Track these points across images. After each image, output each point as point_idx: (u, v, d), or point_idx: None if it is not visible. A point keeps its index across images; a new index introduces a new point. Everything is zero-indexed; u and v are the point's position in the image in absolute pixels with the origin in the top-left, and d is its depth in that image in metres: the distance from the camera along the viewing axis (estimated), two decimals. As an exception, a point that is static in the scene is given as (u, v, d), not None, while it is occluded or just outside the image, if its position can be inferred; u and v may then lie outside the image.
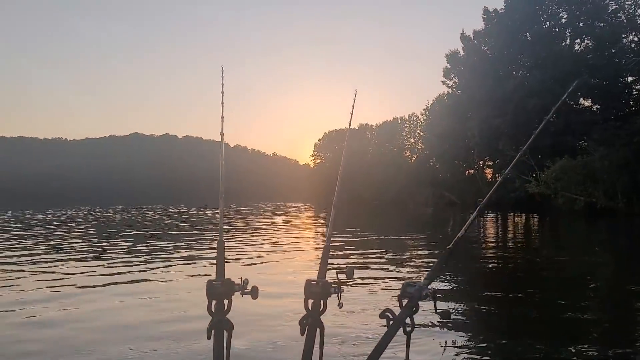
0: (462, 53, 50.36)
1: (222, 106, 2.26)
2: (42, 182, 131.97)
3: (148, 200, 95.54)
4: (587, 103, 41.57)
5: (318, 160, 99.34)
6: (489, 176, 55.93)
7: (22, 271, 9.29)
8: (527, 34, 42.44)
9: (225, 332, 1.60)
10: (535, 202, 36.44)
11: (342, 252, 12.47)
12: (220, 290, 1.62)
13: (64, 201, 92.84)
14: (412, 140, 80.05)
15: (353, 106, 2.58)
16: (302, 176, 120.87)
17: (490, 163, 53.77)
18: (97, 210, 49.80)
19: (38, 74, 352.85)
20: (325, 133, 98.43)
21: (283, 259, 11.63)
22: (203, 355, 4.14)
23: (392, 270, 9.67)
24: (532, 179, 35.48)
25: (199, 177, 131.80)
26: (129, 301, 6.69)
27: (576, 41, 41.87)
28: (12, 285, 7.76)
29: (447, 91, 57.68)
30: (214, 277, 1.68)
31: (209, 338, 1.58)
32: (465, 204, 44.51)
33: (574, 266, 10.63)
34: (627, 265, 11.15)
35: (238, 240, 15.52)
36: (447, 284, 8.28)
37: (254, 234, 18.05)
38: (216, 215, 33.65)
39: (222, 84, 2.34)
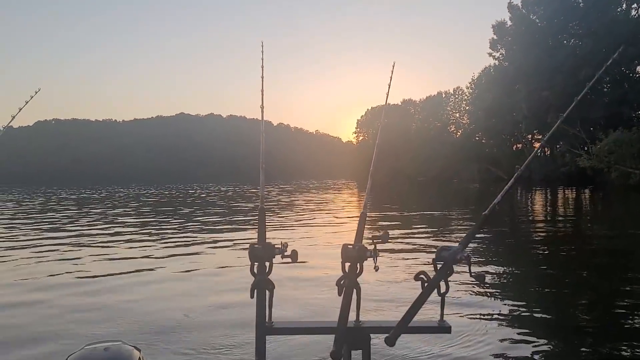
0: (509, 23, 48.45)
1: (262, 80, 2.33)
2: (96, 161, 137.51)
3: (195, 179, 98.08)
4: (645, 72, 39.36)
5: (361, 137, 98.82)
6: (538, 150, 54.20)
7: (83, 249, 9.82)
8: (580, 0, 40.36)
9: (267, 291, 1.71)
10: (587, 176, 35.13)
11: (382, 224, 12.57)
12: (262, 253, 1.72)
13: (115, 180, 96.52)
14: (458, 114, 78.37)
15: (391, 78, 2.58)
16: (345, 153, 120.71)
17: (539, 137, 52.00)
18: (147, 188, 51.55)
19: (87, 58, 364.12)
20: (367, 109, 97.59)
21: (324, 229, 11.87)
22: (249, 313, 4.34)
23: (429, 239, 9.78)
24: (583, 152, 34.18)
25: (243, 156, 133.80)
26: (183, 273, 7.04)
27: (633, 6, 39.44)
28: (75, 264, 8.15)
29: (494, 63, 55.75)
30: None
31: (252, 297, 1.69)
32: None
33: (624, 244, 10.28)
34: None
35: (282, 216, 15.82)
36: (487, 252, 8.29)
37: (297, 210, 18.36)
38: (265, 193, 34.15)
39: (262, 59, 2.41)
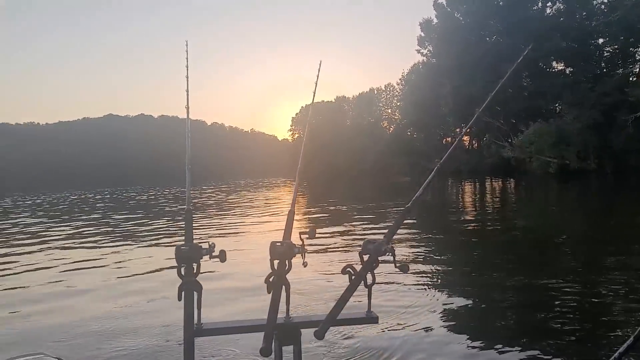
0: (435, 21, 50.20)
1: (187, 80, 2.30)
2: (18, 167, 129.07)
3: (128, 181, 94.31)
4: (560, 66, 41.99)
5: (296, 135, 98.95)
6: (466, 143, 56.55)
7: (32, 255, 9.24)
8: (499, -2, 42.41)
9: (195, 293, 1.69)
10: (511, 166, 37.11)
11: (315, 219, 12.67)
12: (189, 254, 1.69)
13: (40, 186, 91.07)
14: (389, 110, 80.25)
15: (317, 77, 2.59)
16: (282, 151, 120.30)
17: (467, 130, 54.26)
18: (77, 194, 49.07)
19: (6, 60, 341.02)
20: (302, 107, 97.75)
21: (256, 227, 11.83)
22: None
23: (358, 232, 9.98)
24: (506, 143, 36.05)
25: (177, 156, 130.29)
26: (109, 278, 6.79)
27: (547, 4, 42.05)
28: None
29: (422, 60, 57.60)
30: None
31: (179, 299, 1.66)
32: (444, 172, 45.01)
33: (545, 229, 10.99)
34: (596, 225, 11.55)
35: (214, 216, 15.58)
36: (416, 241, 8.58)
37: (230, 209, 18.07)
38: (197, 194, 33.51)
39: (187, 58, 2.37)
